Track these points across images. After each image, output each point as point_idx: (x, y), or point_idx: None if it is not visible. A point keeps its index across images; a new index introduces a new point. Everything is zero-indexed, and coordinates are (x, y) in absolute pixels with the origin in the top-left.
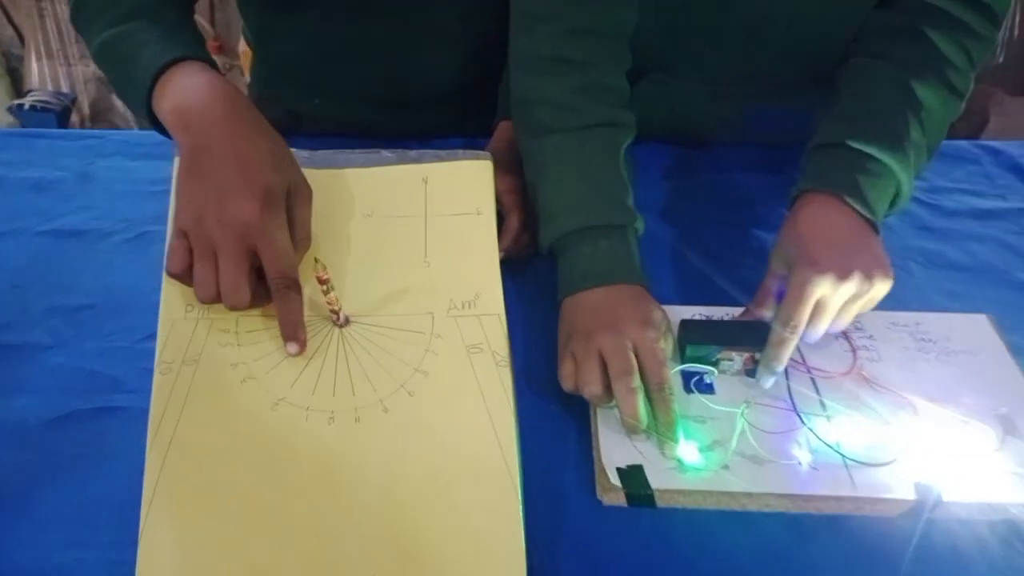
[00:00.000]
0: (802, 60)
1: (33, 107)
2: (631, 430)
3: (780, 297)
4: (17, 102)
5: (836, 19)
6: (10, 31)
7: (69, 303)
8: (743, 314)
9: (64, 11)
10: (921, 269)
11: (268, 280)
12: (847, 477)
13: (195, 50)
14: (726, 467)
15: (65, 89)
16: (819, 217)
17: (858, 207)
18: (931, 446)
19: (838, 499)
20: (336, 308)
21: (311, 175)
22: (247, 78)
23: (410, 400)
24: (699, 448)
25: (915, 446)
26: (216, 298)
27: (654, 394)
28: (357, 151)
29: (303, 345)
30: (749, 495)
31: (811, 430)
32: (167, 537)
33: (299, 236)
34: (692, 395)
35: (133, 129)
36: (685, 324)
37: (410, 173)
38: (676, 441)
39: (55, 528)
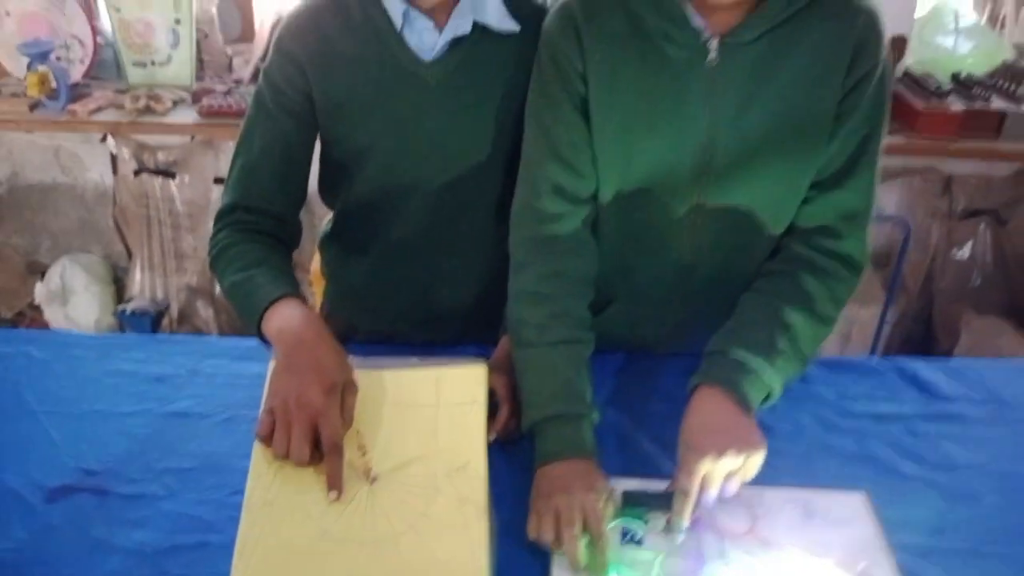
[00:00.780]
0: (722, 291)
1: (133, 312)
2: (575, 569)
3: None
4: (120, 307)
5: (741, 265)
6: (120, 247)
7: (179, 465)
8: (669, 486)
9: (168, 232)
10: (823, 458)
11: (323, 445)
12: None
13: (291, 290)
14: None
15: (160, 296)
16: (706, 405)
17: (735, 398)
18: None
19: None
20: (369, 467)
21: (359, 375)
22: (312, 287)
23: (416, 536)
24: None
25: None
26: (287, 455)
27: (594, 542)
28: (393, 358)
29: (341, 493)
30: None
31: (710, 571)
32: None
33: (346, 417)
34: (626, 544)
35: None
36: (625, 493)
37: (427, 375)
38: None
39: None
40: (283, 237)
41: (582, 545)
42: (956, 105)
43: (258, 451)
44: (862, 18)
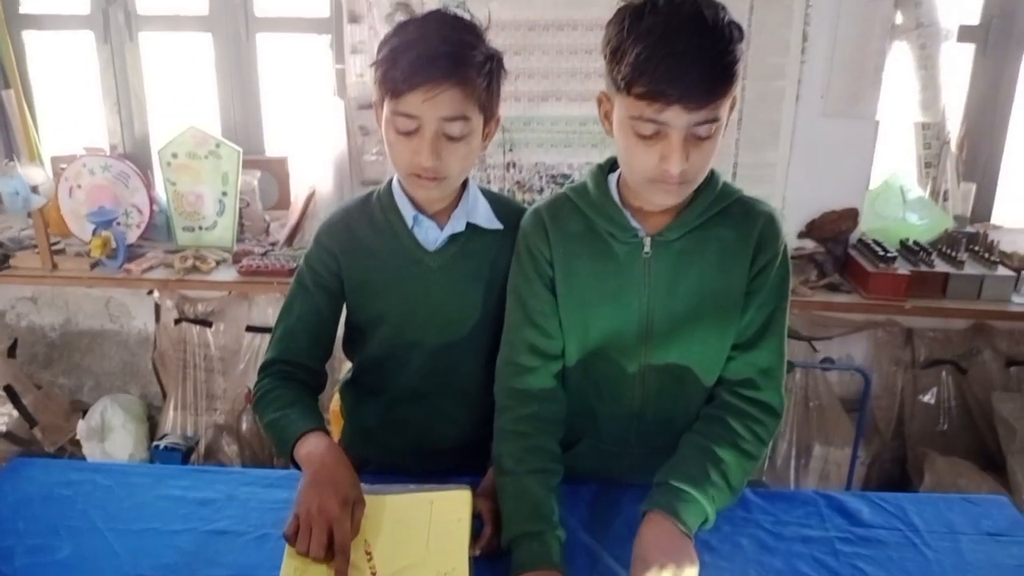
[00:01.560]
0: (669, 432)
1: (166, 447)
2: None
3: None
4: (155, 443)
5: (682, 411)
6: (156, 388)
7: (219, 574)
8: None
9: (201, 375)
10: (756, 574)
11: (335, 546)
12: None
13: (319, 425)
14: None
15: (190, 433)
16: (652, 528)
17: (676, 521)
18: None
19: None
20: (375, 571)
21: (368, 499)
22: (331, 426)
23: None
24: None
25: None
26: (307, 552)
27: None
28: (395, 485)
29: None
30: None
31: None
32: None
33: (355, 526)
34: None
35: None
36: None
37: (422, 498)
38: None
39: None
40: (313, 384)
41: None
42: (903, 268)
43: (288, 555)
44: (762, 220)
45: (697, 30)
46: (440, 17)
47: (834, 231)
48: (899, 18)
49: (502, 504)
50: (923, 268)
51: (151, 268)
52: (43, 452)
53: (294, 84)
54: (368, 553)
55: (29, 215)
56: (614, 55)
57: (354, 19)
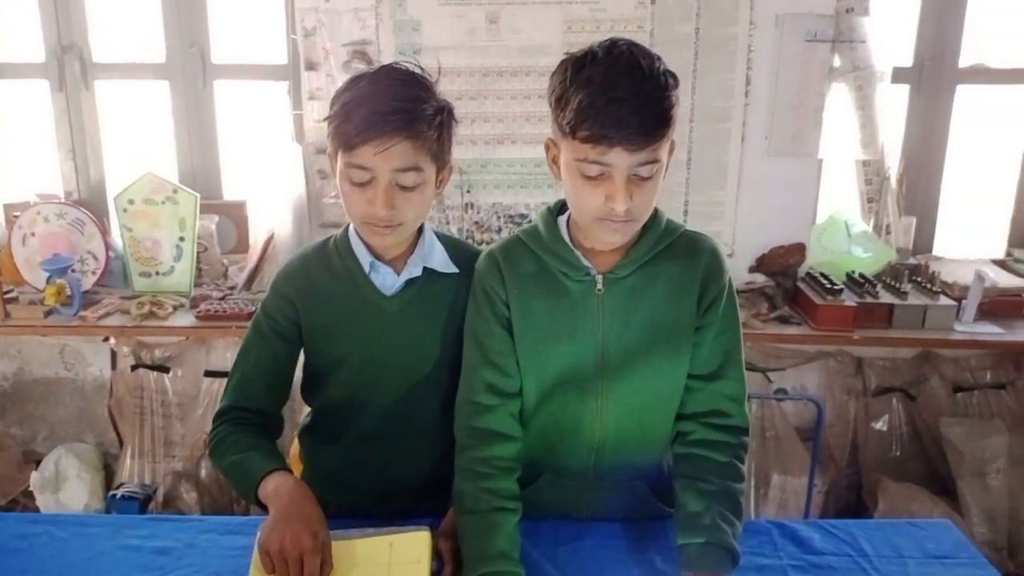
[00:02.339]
0: (627, 466)
1: (123, 496)
2: None
3: None
4: (112, 492)
5: (639, 443)
6: (113, 436)
7: None
8: None
9: (159, 421)
10: None
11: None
12: None
13: (279, 464)
14: None
15: (148, 481)
16: None
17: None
18: None
19: None
20: None
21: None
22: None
23: None
24: None
25: None
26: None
27: None
28: (354, 530)
29: None
30: None
31: None
32: None
33: (326, 564)
34: None
35: (210, 516)
36: None
37: (382, 540)
38: None
39: None
40: (270, 429)
41: None
42: (850, 300)
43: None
44: (706, 256)
45: (635, 77)
46: (391, 72)
47: (783, 265)
48: (836, 61)
49: (463, 543)
50: (869, 299)
51: (107, 315)
52: None
53: (252, 129)
54: None
55: None
56: (559, 102)
57: (311, 66)
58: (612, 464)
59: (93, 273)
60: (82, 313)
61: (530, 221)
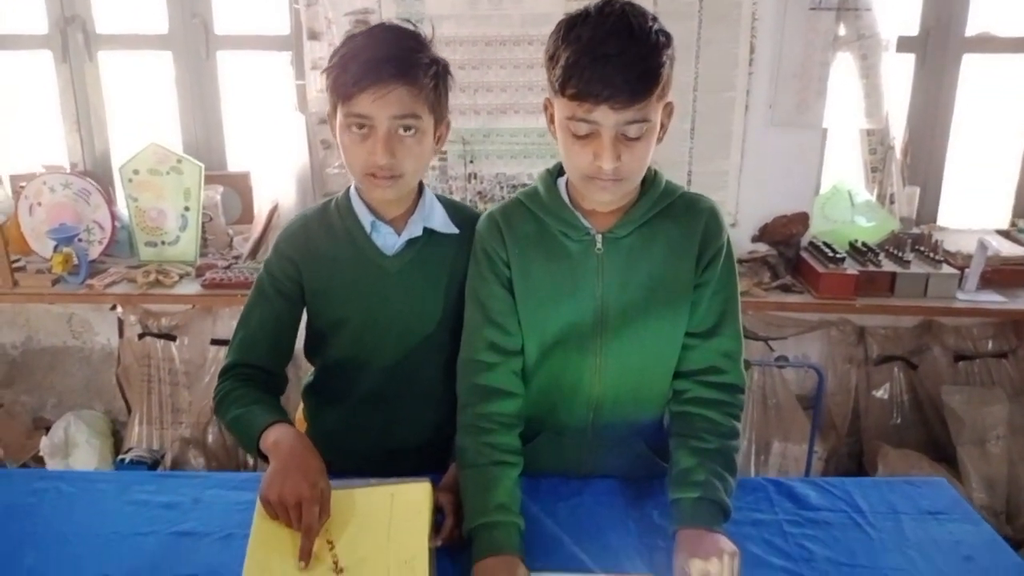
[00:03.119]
0: (625, 423)
1: (132, 461)
2: None
3: None
4: (120, 457)
5: (637, 401)
6: (121, 403)
7: (184, 571)
8: None
9: (167, 389)
10: None
11: (302, 527)
12: None
13: (281, 417)
14: None
15: (156, 447)
16: (686, 540)
17: (704, 528)
18: None
19: None
20: (337, 559)
21: (333, 492)
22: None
23: None
24: None
25: None
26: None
27: None
28: (356, 479)
29: (308, 561)
30: None
31: None
32: None
33: (324, 512)
34: None
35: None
36: None
37: (383, 491)
38: None
39: None
40: (273, 387)
41: None
42: (852, 269)
43: (250, 552)
44: (705, 215)
45: (623, 36)
46: (386, 27)
47: (785, 235)
48: (841, 30)
49: (464, 495)
50: (871, 268)
51: (113, 283)
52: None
53: (255, 100)
54: (330, 542)
55: None
56: (551, 61)
57: (314, 36)
58: (611, 422)
59: (99, 243)
60: (89, 282)
61: None
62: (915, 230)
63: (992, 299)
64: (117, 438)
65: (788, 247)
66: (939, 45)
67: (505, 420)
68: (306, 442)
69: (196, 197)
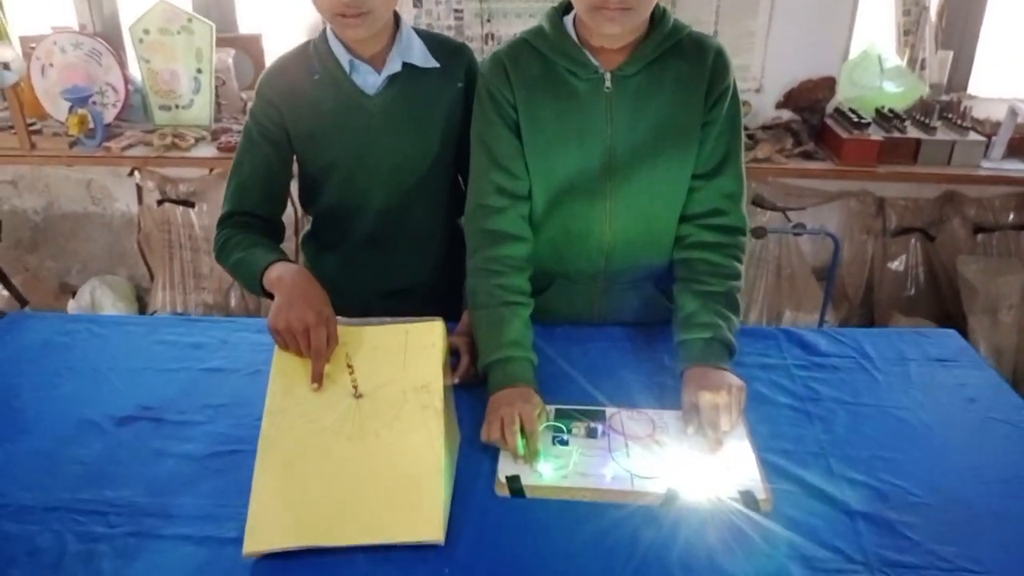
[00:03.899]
0: (634, 269)
1: None
2: (515, 457)
3: None
4: None
5: (646, 245)
6: (143, 269)
7: (215, 402)
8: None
9: (188, 255)
10: None
11: (311, 351)
12: (630, 483)
13: (281, 256)
14: (564, 477)
15: (179, 311)
16: (694, 378)
17: (710, 366)
18: (677, 471)
19: (623, 492)
20: (356, 386)
21: (346, 328)
22: None
23: (390, 431)
24: (552, 468)
25: (668, 471)
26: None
27: (528, 437)
28: (372, 318)
29: (320, 383)
30: (575, 490)
31: (615, 460)
32: (269, 484)
33: (331, 336)
34: (555, 445)
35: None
36: (557, 409)
37: (398, 328)
38: (538, 462)
39: (210, 495)
40: (270, 233)
41: (520, 440)
42: (876, 135)
43: (273, 377)
44: (713, 54)
45: None
46: None
47: (810, 100)
48: None
49: (477, 335)
50: (896, 134)
51: (130, 146)
52: None
53: None
54: (350, 367)
55: (3, 97)
56: None
57: None
58: (622, 267)
59: (114, 106)
60: (106, 144)
61: None
62: (944, 97)
63: (1018, 167)
64: (141, 303)
65: (813, 113)
66: None
67: (514, 263)
68: (307, 274)
69: (208, 59)
